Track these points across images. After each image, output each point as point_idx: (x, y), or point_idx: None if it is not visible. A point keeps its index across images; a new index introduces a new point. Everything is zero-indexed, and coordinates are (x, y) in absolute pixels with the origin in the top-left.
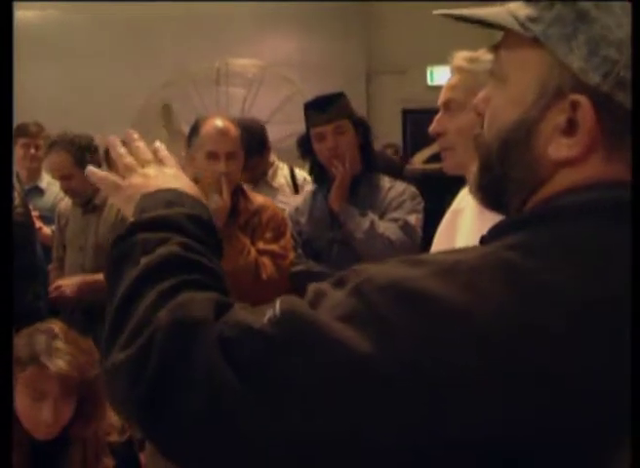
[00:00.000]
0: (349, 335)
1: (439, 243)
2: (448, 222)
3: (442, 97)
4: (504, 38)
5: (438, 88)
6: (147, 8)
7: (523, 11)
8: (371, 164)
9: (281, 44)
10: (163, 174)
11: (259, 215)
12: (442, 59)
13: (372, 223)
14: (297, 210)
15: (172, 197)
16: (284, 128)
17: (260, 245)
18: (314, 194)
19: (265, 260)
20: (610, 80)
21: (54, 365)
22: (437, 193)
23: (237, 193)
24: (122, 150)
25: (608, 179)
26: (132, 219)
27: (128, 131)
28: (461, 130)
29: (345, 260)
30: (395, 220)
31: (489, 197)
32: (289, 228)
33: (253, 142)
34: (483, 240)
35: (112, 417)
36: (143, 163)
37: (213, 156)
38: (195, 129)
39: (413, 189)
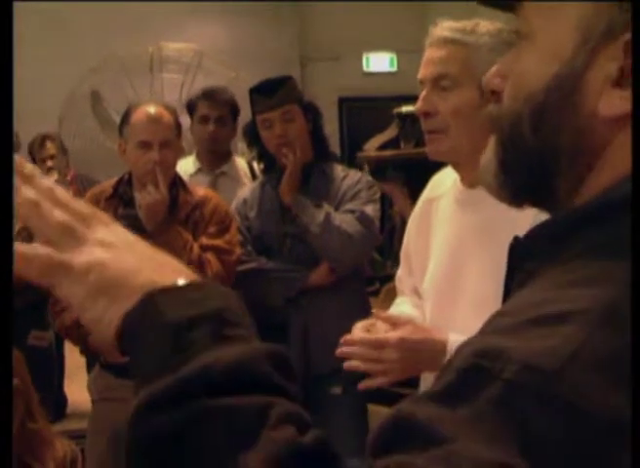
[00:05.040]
0: None
1: (413, 235)
2: (422, 212)
3: (428, 73)
4: None
5: (374, 75)
6: None
7: None
8: (323, 152)
9: (212, 30)
10: (127, 241)
11: (200, 209)
12: (378, 45)
13: (327, 215)
14: (244, 203)
15: (213, 308)
16: None
17: (204, 240)
18: (263, 186)
19: (210, 256)
20: None
21: None
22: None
23: (176, 185)
24: (45, 185)
25: None
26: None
27: (19, 161)
28: (458, 109)
29: (299, 255)
30: (351, 212)
31: (519, 181)
32: (234, 222)
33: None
34: (517, 244)
35: (59, 450)
36: (80, 218)
37: (145, 145)
38: (126, 117)
39: (368, 178)
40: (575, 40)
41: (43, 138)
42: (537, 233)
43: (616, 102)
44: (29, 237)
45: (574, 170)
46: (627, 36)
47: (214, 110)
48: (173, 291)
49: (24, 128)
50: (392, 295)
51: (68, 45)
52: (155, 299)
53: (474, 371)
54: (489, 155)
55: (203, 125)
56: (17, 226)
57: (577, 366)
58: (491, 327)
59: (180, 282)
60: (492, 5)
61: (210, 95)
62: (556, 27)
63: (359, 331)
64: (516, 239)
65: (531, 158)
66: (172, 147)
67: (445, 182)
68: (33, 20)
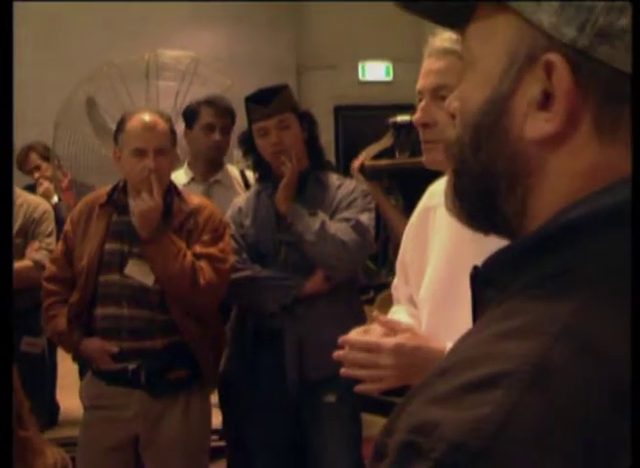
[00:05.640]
0: None
1: (409, 243)
2: (419, 221)
3: (427, 84)
4: (472, 18)
5: (370, 83)
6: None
7: None
8: (318, 160)
9: (209, 38)
10: None
11: (195, 217)
12: (374, 55)
13: (322, 224)
14: (239, 211)
15: None
16: None
17: (198, 248)
18: (258, 194)
19: (203, 264)
20: (587, 31)
21: None
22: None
23: (170, 193)
24: None
25: (610, 174)
26: None
27: None
28: None
29: (295, 263)
30: (347, 220)
31: (472, 207)
32: (228, 230)
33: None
34: (477, 273)
35: (49, 458)
36: None
37: (140, 153)
38: (121, 125)
39: (363, 187)
40: (503, 64)
41: (28, 150)
42: (490, 262)
43: (540, 125)
44: (26, 237)
45: (514, 193)
46: (547, 57)
47: (219, 119)
48: None
49: (24, 131)
50: (387, 304)
51: (68, 46)
52: None
53: (409, 449)
54: (447, 185)
55: (208, 133)
56: (16, 226)
57: (504, 440)
58: (431, 389)
59: None
60: (444, 25)
61: (216, 103)
62: (489, 53)
63: (355, 334)
64: (475, 268)
65: (475, 183)
66: (167, 155)
67: (442, 191)
68: (33, 21)
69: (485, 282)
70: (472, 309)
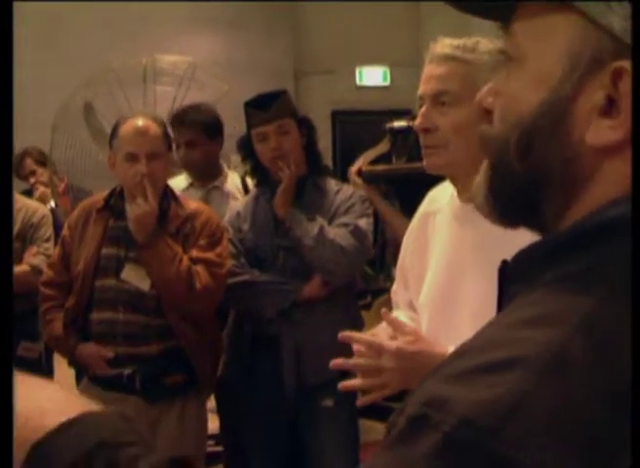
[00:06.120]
0: None
1: (409, 249)
2: (419, 226)
3: (428, 89)
4: (520, 10)
5: (367, 88)
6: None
7: None
8: (316, 165)
9: (206, 43)
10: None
11: (191, 221)
12: (371, 59)
13: (321, 229)
14: (238, 215)
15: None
16: None
17: (194, 253)
18: (256, 198)
19: (199, 269)
20: None
21: None
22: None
23: (167, 198)
24: None
25: None
26: None
27: None
28: (458, 126)
29: (293, 268)
30: (345, 225)
31: (507, 205)
32: (226, 235)
33: (207, 124)
34: (506, 269)
35: None
36: None
37: (132, 157)
38: (115, 130)
39: (361, 192)
40: (563, 67)
41: (23, 155)
42: (520, 257)
43: (604, 132)
44: (24, 242)
45: (560, 197)
46: (615, 65)
47: (181, 135)
48: (54, 434)
49: (24, 132)
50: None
51: (68, 46)
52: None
53: (419, 420)
54: (480, 178)
55: (176, 148)
56: (14, 230)
57: (513, 421)
58: (447, 368)
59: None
60: (485, 16)
61: (178, 119)
62: (545, 52)
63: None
64: (504, 262)
65: (517, 184)
66: (160, 159)
67: (442, 197)
68: (33, 21)
69: (513, 276)
70: (497, 302)
